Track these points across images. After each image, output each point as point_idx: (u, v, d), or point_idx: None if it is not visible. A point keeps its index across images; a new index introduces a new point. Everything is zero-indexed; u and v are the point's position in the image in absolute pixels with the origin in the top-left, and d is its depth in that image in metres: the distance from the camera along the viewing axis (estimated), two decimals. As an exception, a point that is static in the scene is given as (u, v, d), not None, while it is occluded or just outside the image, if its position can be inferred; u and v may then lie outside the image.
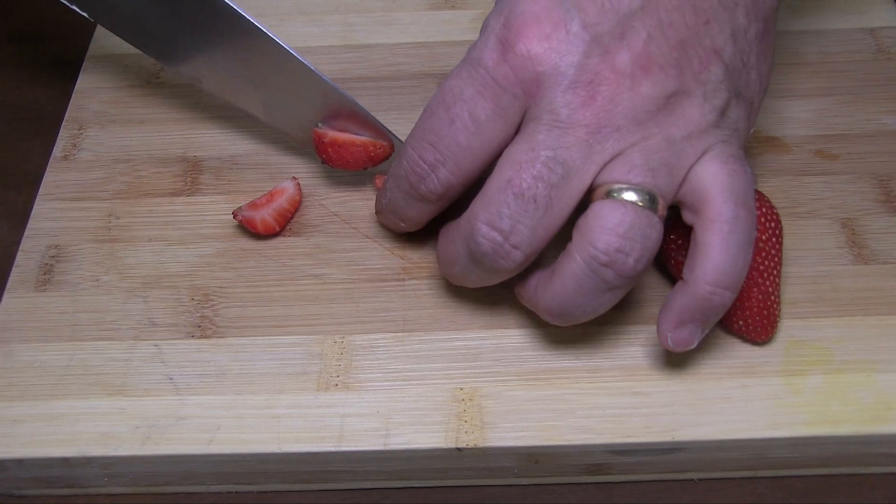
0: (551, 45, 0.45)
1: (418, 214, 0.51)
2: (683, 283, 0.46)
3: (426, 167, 0.48)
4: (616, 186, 0.45)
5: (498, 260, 0.46)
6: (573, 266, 0.45)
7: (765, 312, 0.49)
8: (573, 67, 0.45)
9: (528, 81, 0.45)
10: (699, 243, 0.45)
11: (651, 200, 0.44)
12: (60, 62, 0.68)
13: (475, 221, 0.46)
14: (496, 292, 0.52)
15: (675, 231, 0.50)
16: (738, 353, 0.50)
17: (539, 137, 0.45)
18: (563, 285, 0.46)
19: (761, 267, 0.49)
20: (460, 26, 0.67)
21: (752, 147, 0.58)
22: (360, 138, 0.55)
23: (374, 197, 0.54)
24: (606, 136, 0.45)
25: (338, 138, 0.55)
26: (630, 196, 0.44)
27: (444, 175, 0.47)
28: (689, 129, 0.46)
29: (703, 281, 0.45)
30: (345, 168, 0.56)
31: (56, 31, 0.70)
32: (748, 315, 0.49)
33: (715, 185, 0.45)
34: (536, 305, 0.48)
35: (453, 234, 0.48)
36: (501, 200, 0.45)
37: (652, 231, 0.44)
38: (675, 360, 0.49)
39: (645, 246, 0.44)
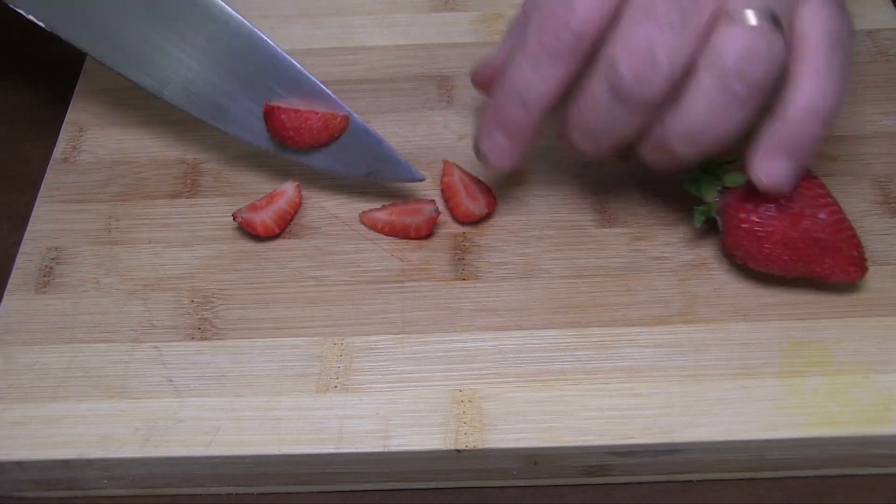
0: None
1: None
2: (773, 115, 0.46)
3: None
4: (738, 9, 0.45)
5: (641, 84, 0.46)
6: (702, 86, 0.46)
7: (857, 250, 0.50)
8: None
9: None
10: (791, 75, 0.46)
11: (773, 20, 0.45)
12: (61, 64, 0.68)
13: (614, 55, 0.46)
14: (498, 292, 0.52)
15: (744, 209, 0.50)
16: (737, 354, 0.50)
17: None
18: (693, 108, 0.46)
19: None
20: (460, 28, 0.67)
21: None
22: (317, 111, 0.54)
23: (376, 199, 0.54)
24: None
25: (292, 109, 0.54)
26: (752, 17, 0.45)
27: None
28: None
29: (793, 106, 0.45)
30: (301, 144, 0.55)
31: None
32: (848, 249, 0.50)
33: (813, 24, 0.46)
34: (665, 138, 0.48)
35: (587, 88, 0.48)
36: (638, 31, 0.45)
37: (774, 45, 0.45)
38: (674, 361, 0.49)
39: (769, 59, 0.45)
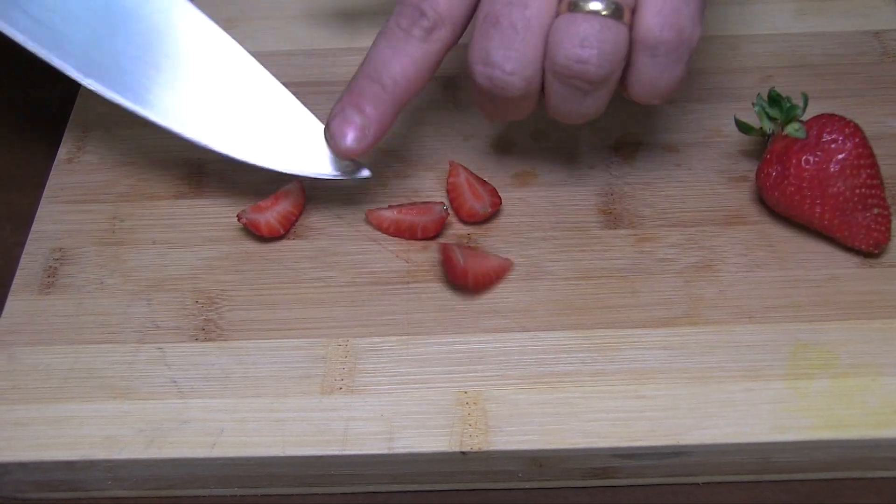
0: None
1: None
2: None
3: None
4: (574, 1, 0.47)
5: (501, 91, 0.48)
6: (547, 79, 0.48)
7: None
8: None
9: None
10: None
11: (615, 8, 0.46)
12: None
13: (469, 65, 0.48)
14: (502, 293, 0.52)
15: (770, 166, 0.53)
16: (743, 356, 0.49)
17: None
18: (550, 101, 0.49)
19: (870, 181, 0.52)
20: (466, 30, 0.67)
21: (758, 149, 0.58)
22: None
23: (381, 200, 0.54)
24: None
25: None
26: (594, 6, 0.46)
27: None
28: None
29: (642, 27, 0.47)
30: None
31: None
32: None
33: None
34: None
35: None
36: (484, 36, 0.47)
37: (615, 35, 0.46)
38: (680, 363, 0.49)
39: (603, 50, 0.46)
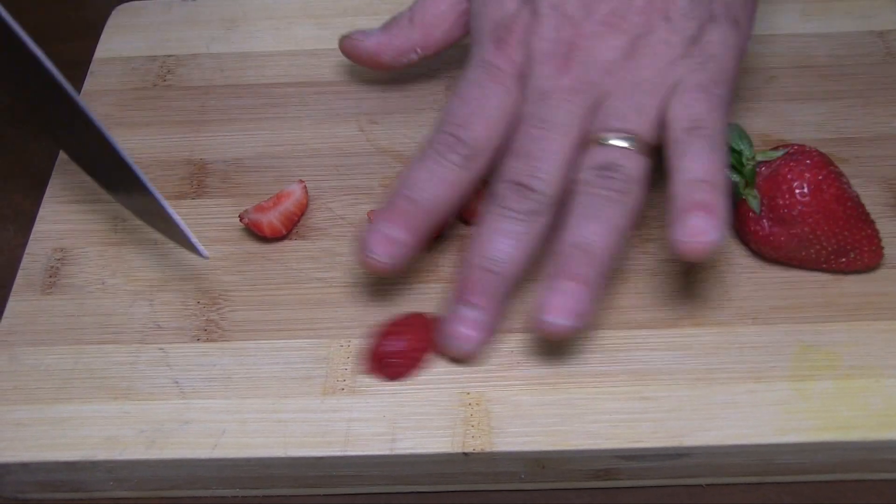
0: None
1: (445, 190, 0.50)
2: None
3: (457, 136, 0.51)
4: (603, 135, 0.50)
5: (519, 204, 0.49)
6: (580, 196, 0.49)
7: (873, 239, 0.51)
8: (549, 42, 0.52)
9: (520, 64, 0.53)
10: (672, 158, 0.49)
11: (634, 141, 0.49)
12: (66, 64, 0.68)
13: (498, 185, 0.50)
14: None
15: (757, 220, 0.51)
16: (746, 358, 0.49)
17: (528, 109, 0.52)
18: (574, 212, 0.49)
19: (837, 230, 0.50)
20: (467, 29, 0.67)
21: (762, 150, 0.57)
22: None
23: (379, 200, 0.54)
24: (584, 91, 0.51)
25: None
26: (617, 142, 0.49)
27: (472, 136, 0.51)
28: (658, 66, 0.51)
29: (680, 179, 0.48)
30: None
31: (62, 34, 0.70)
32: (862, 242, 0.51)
33: (678, 114, 0.50)
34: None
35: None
36: (510, 167, 0.50)
37: (632, 163, 0.49)
38: (683, 364, 0.49)
39: (629, 174, 0.49)
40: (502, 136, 0.51)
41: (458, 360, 0.50)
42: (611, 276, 0.49)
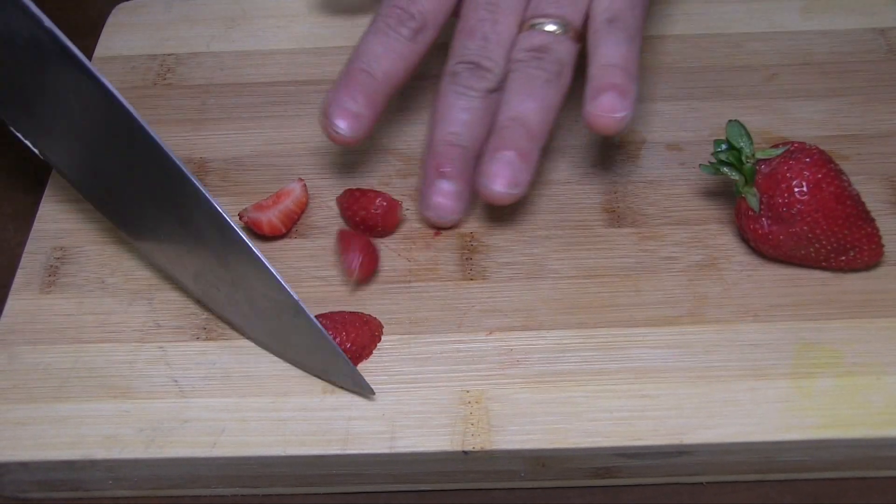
0: None
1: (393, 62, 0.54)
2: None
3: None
4: (538, 20, 0.54)
5: (475, 83, 0.54)
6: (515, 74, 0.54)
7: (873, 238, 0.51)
8: None
9: None
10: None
11: (565, 27, 0.54)
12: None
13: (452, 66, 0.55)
14: (505, 292, 0.52)
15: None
16: (747, 355, 0.49)
17: None
18: (511, 89, 0.54)
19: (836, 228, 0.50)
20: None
21: (762, 148, 0.57)
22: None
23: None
24: None
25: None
26: (551, 27, 0.54)
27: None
28: None
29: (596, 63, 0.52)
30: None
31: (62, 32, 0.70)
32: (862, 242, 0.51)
33: (601, 7, 0.54)
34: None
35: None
36: (464, 46, 0.55)
37: (563, 47, 0.54)
38: (683, 362, 0.49)
39: (559, 58, 0.53)
40: (448, 12, 0.56)
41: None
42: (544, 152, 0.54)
